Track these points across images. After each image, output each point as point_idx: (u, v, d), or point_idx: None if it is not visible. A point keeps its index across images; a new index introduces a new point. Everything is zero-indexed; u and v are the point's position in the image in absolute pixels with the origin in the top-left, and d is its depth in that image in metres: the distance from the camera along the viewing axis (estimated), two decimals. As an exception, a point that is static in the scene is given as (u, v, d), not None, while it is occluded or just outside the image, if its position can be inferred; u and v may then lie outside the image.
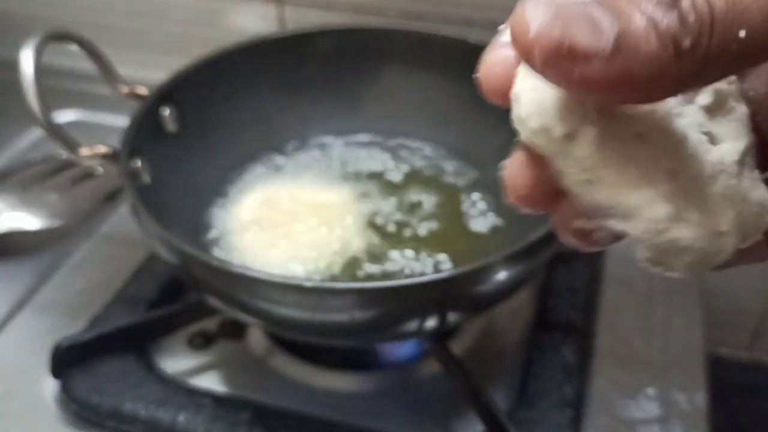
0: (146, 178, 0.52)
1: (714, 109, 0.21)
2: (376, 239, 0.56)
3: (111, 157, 0.51)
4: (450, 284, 0.42)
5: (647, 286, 0.59)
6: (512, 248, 0.42)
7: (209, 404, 0.49)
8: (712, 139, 0.20)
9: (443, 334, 0.52)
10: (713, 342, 0.59)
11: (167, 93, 0.55)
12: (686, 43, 0.16)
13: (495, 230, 0.56)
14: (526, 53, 0.17)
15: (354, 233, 0.56)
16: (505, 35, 0.20)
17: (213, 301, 0.47)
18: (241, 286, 0.43)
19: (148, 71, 0.60)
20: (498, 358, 0.54)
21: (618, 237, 0.20)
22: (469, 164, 0.62)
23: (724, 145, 0.20)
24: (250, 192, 0.59)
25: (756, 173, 0.20)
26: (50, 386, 0.51)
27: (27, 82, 0.47)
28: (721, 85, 0.21)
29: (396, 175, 0.62)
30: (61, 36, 0.51)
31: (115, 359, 0.51)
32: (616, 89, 0.17)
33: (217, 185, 0.60)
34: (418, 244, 0.56)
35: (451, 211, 0.58)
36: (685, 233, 0.19)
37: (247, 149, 0.62)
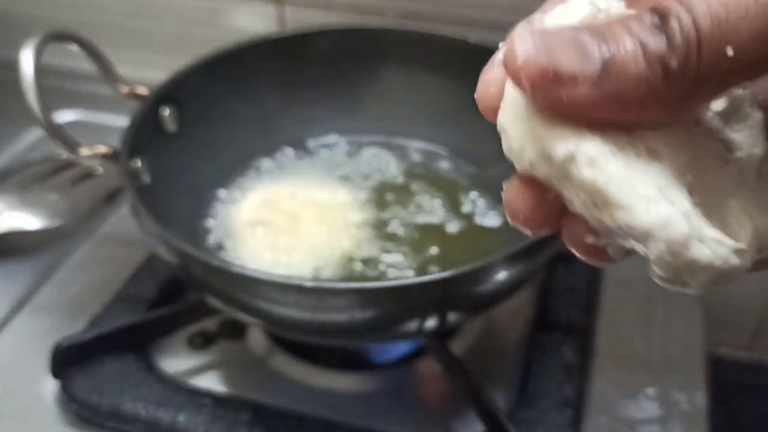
0: (146, 178, 0.52)
1: (729, 115, 0.20)
2: (376, 239, 0.56)
3: (111, 157, 0.51)
4: (450, 284, 0.42)
5: (647, 286, 0.59)
6: (512, 248, 0.42)
7: (209, 404, 0.49)
8: (729, 148, 0.20)
9: (443, 334, 0.52)
10: (713, 342, 0.59)
11: (167, 93, 0.55)
12: (673, 63, 0.17)
13: (495, 229, 0.56)
14: (515, 80, 0.18)
15: (354, 233, 0.56)
16: (500, 53, 0.20)
17: (213, 301, 0.47)
18: (241, 286, 0.43)
19: (148, 71, 0.60)
20: (498, 358, 0.54)
21: (633, 251, 0.19)
22: (469, 164, 0.62)
23: (741, 153, 0.20)
24: (250, 192, 0.59)
25: None
26: (50, 386, 0.51)
27: (27, 82, 0.47)
28: (736, 89, 0.20)
29: (396, 175, 0.62)
30: (61, 36, 0.51)
31: (115, 359, 0.51)
32: (606, 110, 0.18)
33: (217, 185, 0.60)
34: (418, 243, 0.56)
35: (450, 211, 0.58)
36: (704, 253, 0.18)
37: (247, 149, 0.62)
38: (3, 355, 0.54)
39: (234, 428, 0.47)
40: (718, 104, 0.20)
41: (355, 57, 0.63)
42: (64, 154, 0.62)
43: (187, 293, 0.57)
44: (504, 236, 0.55)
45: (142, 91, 0.55)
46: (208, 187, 0.59)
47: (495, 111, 0.20)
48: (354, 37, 0.63)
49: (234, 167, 0.61)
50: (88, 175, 0.66)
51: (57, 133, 0.49)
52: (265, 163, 0.62)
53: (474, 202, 0.59)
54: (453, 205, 0.59)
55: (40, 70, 0.48)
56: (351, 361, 0.54)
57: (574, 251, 0.20)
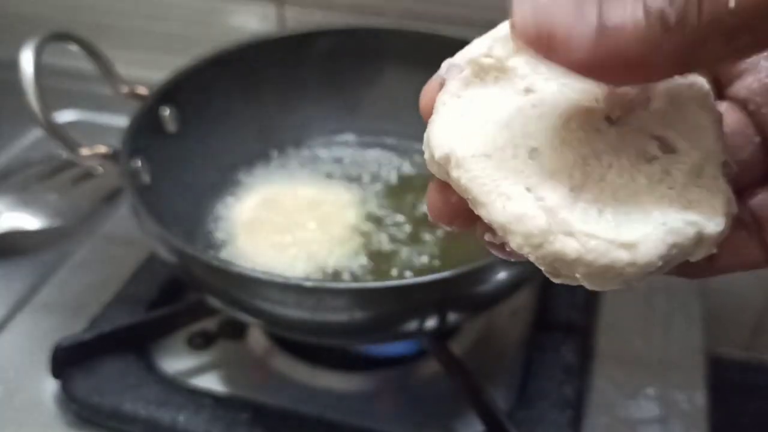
0: (146, 178, 0.52)
1: (670, 115, 0.21)
2: (376, 239, 0.56)
3: (111, 157, 0.51)
4: (450, 284, 0.42)
5: (647, 286, 0.59)
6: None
7: (209, 404, 0.49)
8: (665, 146, 0.20)
9: (443, 334, 0.52)
10: (713, 342, 0.59)
11: (167, 93, 0.55)
12: (672, 18, 0.16)
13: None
14: (517, 45, 0.18)
15: (354, 233, 0.56)
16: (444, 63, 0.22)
17: (213, 301, 0.47)
18: (241, 286, 0.43)
19: (148, 71, 0.60)
20: (498, 358, 0.54)
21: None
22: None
23: (680, 154, 0.20)
24: (250, 192, 0.59)
25: (718, 184, 0.20)
26: (50, 386, 0.51)
27: (27, 82, 0.47)
28: (681, 88, 0.21)
29: (396, 175, 0.62)
30: (61, 36, 0.51)
31: (115, 359, 0.51)
32: (609, 69, 0.17)
33: (217, 185, 0.60)
34: (418, 243, 0.56)
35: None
36: (571, 245, 0.19)
37: (247, 149, 0.62)
38: (3, 355, 0.54)
39: (234, 428, 0.47)
40: (658, 103, 0.21)
41: (355, 57, 0.63)
42: (64, 154, 0.62)
43: (187, 293, 0.57)
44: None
45: (142, 91, 0.55)
46: (208, 187, 0.59)
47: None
48: (354, 37, 0.63)
49: (234, 167, 0.61)
50: (88, 175, 0.66)
51: (57, 133, 0.49)
52: (265, 163, 0.62)
53: (474, 202, 0.59)
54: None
55: (40, 70, 0.48)
56: (351, 361, 0.54)
57: (484, 246, 0.22)
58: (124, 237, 0.63)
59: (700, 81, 0.21)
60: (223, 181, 0.60)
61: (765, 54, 0.21)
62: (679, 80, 0.21)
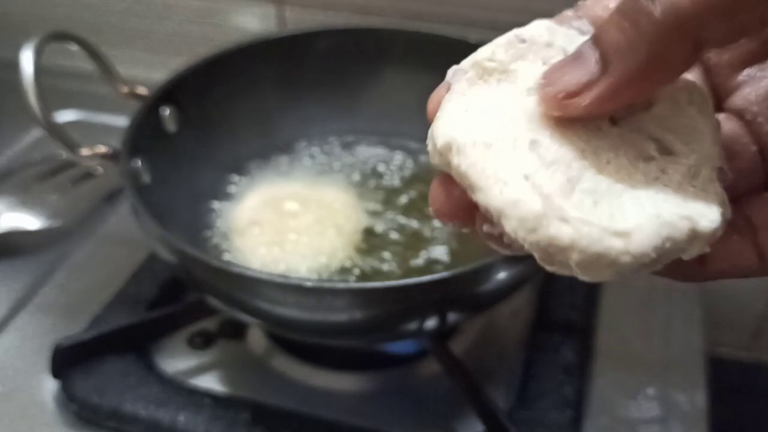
0: (146, 178, 0.52)
1: (670, 119, 0.21)
2: (376, 239, 0.56)
3: (111, 157, 0.51)
4: (450, 284, 0.42)
5: (647, 286, 0.59)
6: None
7: (209, 404, 0.49)
8: (663, 148, 0.21)
9: (443, 334, 0.52)
10: (713, 342, 0.59)
11: (167, 93, 0.55)
12: (657, 9, 0.17)
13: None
14: (553, 114, 0.21)
15: (354, 233, 0.56)
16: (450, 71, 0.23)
17: (213, 301, 0.47)
18: (241, 286, 0.43)
19: (148, 71, 0.60)
20: (498, 358, 0.54)
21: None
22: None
23: (677, 156, 0.21)
24: (250, 192, 0.59)
25: (713, 187, 0.20)
26: (50, 386, 0.51)
27: (27, 82, 0.47)
28: (681, 95, 0.22)
29: (396, 175, 0.62)
30: (61, 36, 0.51)
31: (115, 359, 0.51)
32: (633, 86, 0.19)
33: (217, 185, 0.60)
34: (418, 243, 0.56)
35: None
36: (563, 230, 0.19)
37: (247, 149, 0.62)
38: (3, 355, 0.54)
39: (234, 428, 0.47)
40: (659, 109, 0.21)
41: (355, 57, 0.63)
42: (64, 154, 0.62)
43: (187, 293, 0.57)
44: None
45: (142, 91, 0.55)
46: (208, 187, 0.59)
47: None
48: (354, 37, 0.63)
49: (234, 167, 0.61)
50: (88, 175, 0.66)
51: (57, 133, 0.49)
52: (265, 162, 0.62)
53: (474, 202, 0.59)
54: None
55: (40, 70, 0.48)
56: (351, 361, 0.54)
57: (483, 240, 0.22)
58: (124, 237, 0.63)
59: (699, 88, 0.22)
60: (223, 181, 0.60)
61: (761, 66, 0.22)
62: (679, 87, 0.22)
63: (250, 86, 0.61)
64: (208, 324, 0.55)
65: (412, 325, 0.45)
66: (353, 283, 0.50)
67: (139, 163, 0.51)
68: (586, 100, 0.19)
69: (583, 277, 0.20)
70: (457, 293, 0.43)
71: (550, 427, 0.48)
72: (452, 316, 0.46)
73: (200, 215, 0.58)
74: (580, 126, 0.21)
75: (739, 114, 0.23)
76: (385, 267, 0.54)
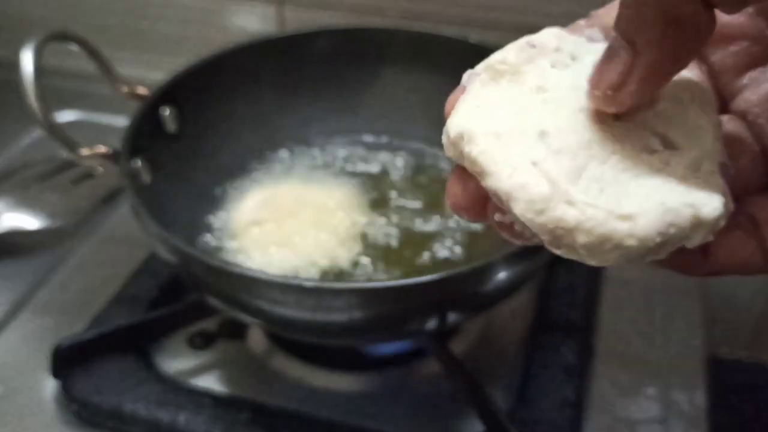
0: (146, 178, 0.52)
1: (673, 115, 0.22)
2: (375, 239, 0.56)
3: (111, 157, 0.51)
4: (450, 284, 0.42)
5: (647, 286, 0.59)
6: (512, 248, 0.42)
7: (209, 404, 0.49)
8: (666, 142, 0.22)
9: (443, 334, 0.52)
10: (713, 342, 0.59)
11: (167, 93, 0.55)
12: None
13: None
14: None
15: (354, 233, 0.56)
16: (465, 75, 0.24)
17: (213, 301, 0.47)
18: (241, 286, 0.43)
19: (148, 71, 0.60)
20: (498, 358, 0.54)
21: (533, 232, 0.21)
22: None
23: (680, 150, 0.21)
24: (250, 192, 0.59)
25: (715, 179, 0.21)
26: (50, 386, 0.51)
27: (27, 82, 0.47)
28: (684, 92, 0.22)
29: (396, 176, 0.62)
30: (61, 36, 0.51)
31: (115, 359, 0.51)
32: (667, 57, 0.20)
33: (217, 185, 0.60)
34: (419, 243, 0.56)
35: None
36: (569, 213, 0.20)
37: (247, 149, 0.62)
38: (3, 355, 0.54)
39: (234, 428, 0.47)
40: (663, 105, 0.22)
41: (355, 57, 0.63)
42: (64, 154, 0.62)
43: (187, 293, 0.57)
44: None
45: (142, 91, 0.55)
46: (208, 187, 0.59)
47: None
48: (354, 37, 0.63)
49: (234, 167, 0.61)
50: (88, 175, 0.66)
51: (57, 133, 0.49)
52: (265, 162, 0.62)
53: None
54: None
55: (40, 70, 0.48)
56: (351, 361, 0.54)
57: (496, 231, 0.23)
58: (124, 237, 0.63)
59: (701, 87, 0.23)
60: (224, 180, 0.60)
61: (763, 69, 0.23)
62: (682, 86, 0.23)
63: (250, 86, 0.61)
64: (208, 324, 0.55)
65: (412, 325, 0.45)
66: (353, 283, 0.50)
67: (139, 163, 0.51)
68: (632, 86, 0.20)
69: (590, 261, 0.20)
70: (457, 293, 0.43)
71: (550, 427, 0.48)
72: (452, 316, 0.47)
73: (200, 215, 0.58)
74: (587, 120, 0.22)
75: (742, 115, 0.23)
76: (386, 266, 0.54)
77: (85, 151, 0.50)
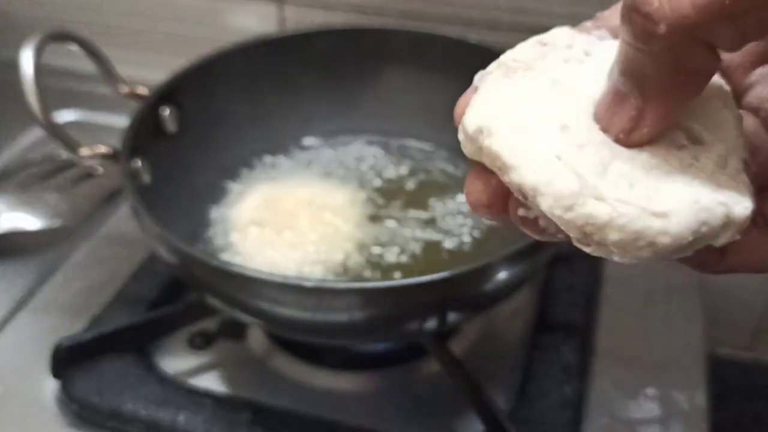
0: (146, 178, 0.52)
1: (696, 109, 0.22)
2: (375, 239, 0.56)
3: (111, 157, 0.51)
4: (450, 284, 0.42)
5: (647, 286, 0.59)
6: (512, 248, 0.42)
7: (209, 404, 0.49)
8: (692, 137, 0.21)
9: (443, 334, 0.52)
10: (713, 342, 0.59)
11: (167, 93, 0.55)
12: (661, 28, 0.18)
13: (495, 229, 0.56)
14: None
15: (353, 233, 0.56)
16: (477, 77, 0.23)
17: (213, 301, 0.47)
18: (241, 286, 0.43)
19: (148, 71, 0.60)
20: (498, 358, 0.54)
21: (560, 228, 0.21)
22: (469, 164, 0.62)
23: (706, 145, 0.21)
24: (250, 192, 0.59)
25: (741, 177, 0.21)
26: (50, 386, 0.51)
27: (27, 82, 0.47)
28: (705, 90, 0.22)
29: (395, 175, 0.62)
30: (61, 36, 0.51)
31: (115, 359, 0.51)
32: (677, 100, 0.20)
33: (217, 185, 0.60)
34: (418, 243, 0.56)
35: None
36: (600, 208, 0.19)
37: (247, 149, 0.62)
38: (3, 355, 0.54)
39: (234, 428, 0.47)
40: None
41: (355, 57, 0.63)
42: (64, 154, 0.62)
43: (187, 293, 0.57)
44: (504, 236, 0.55)
45: (142, 91, 0.55)
46: (208, 187, 0.59)
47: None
48: (354, 37, 0.63)
49: (234, 167, 0.61)
50: (88, 175, 0.66)
51: (57, 133, 0.49)
52: (265, 162, 0.62)
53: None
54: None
55: (40, 70, 0.48)
56: (351, 361, 0.54)
57: (518, 227, 0.22)
58: (124, 237, 0.63)
59: (721, 81, 0.22)
60: (224, 181, 0.60)
61: None
62: None
63: (250, 86, 0.61)
64: (208, 324, 0.55)
65: (413, 325, 0.45)
66: (353, 283, 0.50)
67: (139, 163, 0.51)
68: (644, 129, 0.20)
69: (621, 259, 0.20)
70: (457, 293, 0.43)
71: (550, 427, 0.48)
72: (452, 316, 0.46)
73: (200, 215, 0.58)
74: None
75: (755, 112, 0.23)
76: (386, 266, 0.54)
77: (85, 151, 0.50)
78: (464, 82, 0.24)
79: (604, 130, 0.21)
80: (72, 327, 0.54)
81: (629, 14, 0.18)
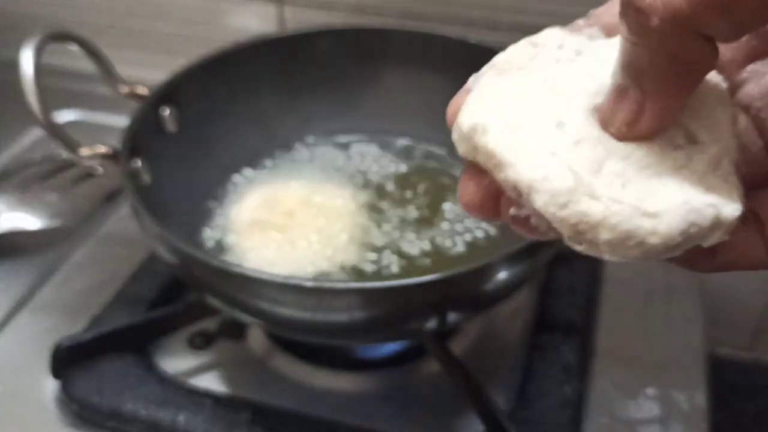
0: (146, 178, 0.52)
1: (693, 107, 0.22)
2: (375, 239, 0.56)
3: (111, 157, 0.51)
4: (450, 284, 0.42)
5: (647, 286, 0.59)
6: (512, 248, 0.42)
7: (209, 404, 0.49)
8: (690, 137, 0.21)
9: (443, 334, 0.52)
10: (713, 342, 0.59)
11: (167, 93, 0.55)
12: (654, 21, 0.18)
13: (495, 230, 0.56)
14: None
15: (354, 233, 0.56)
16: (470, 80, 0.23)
17: (213, 301, 0.47)
18: (241, 286, 0.43)
19: (148, 71, 0.60)
20: (498, 358, 0.54)
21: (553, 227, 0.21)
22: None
23: (701, 145, 0.21)
24: (250, 192, 0.59)
25: (732, 179, 0.21)
26: (50, 386, 0.51)
27: (27, 82, 0.47)
28: (702, 84, 0.22)
29: (395, 175, 0.62)
30: (61, 36, 0.51)
31: (115, 359, 0.51)
32: (677, 92, 0.20)
33: (217, 185, 0.60)
34: (418, 243, 0.56)
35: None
36: (594, 207, 0.19)
37: (247, 149, 0.62)
38: (3, 355, 0.54)
39: (234, 428, 0.47)
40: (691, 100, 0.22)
41: (355, 57, 0.63)
42: (64, 154, 0.62)
43: (187, 293, 0.57)
44: (504, 236, 0.55)
45: (142, 91, 0.55)
46: (208, 187, 0.59)
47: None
48: (354, 37, 0.63)
49: (234, 167, 0.61)
50: (88, 175, 0.66)
51: (57, 133, 0.49)
52: (265, 163, 0.62)
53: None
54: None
55: (40, 70, 0.48)
56: (351, 361, 0.54)
57: (509, 226, 0.22)
58: (124, 237, 0.63)
59: (717, 78, 0.22)
60: (223, 181, 0.60)
61: (764, 61, 0.23)
62: None
63: (250, 86, 0.61)
64: (208, 324, 0.55)
65: (412, 325, 0.45)
66: (353, 283, 0.50)
67: (139, 163, 0.51)
68: (645, 123, 0.20)
69: (611, 257, 0.20)
70: (457, 293, 0.43)
71: (550, 427, 0.48)
72: (452, 316, 0.46)
73: (200, 215, 0.58)
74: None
75: (745, 109, 0.23)
76: (386, 266, 0.54)
77: (85, 151, 0.50)
78: (464, 82, 0.24)
79: (607, 124, 0.21)
80: (72, 327, 0.54)
81: (625, 9, 0.19)
